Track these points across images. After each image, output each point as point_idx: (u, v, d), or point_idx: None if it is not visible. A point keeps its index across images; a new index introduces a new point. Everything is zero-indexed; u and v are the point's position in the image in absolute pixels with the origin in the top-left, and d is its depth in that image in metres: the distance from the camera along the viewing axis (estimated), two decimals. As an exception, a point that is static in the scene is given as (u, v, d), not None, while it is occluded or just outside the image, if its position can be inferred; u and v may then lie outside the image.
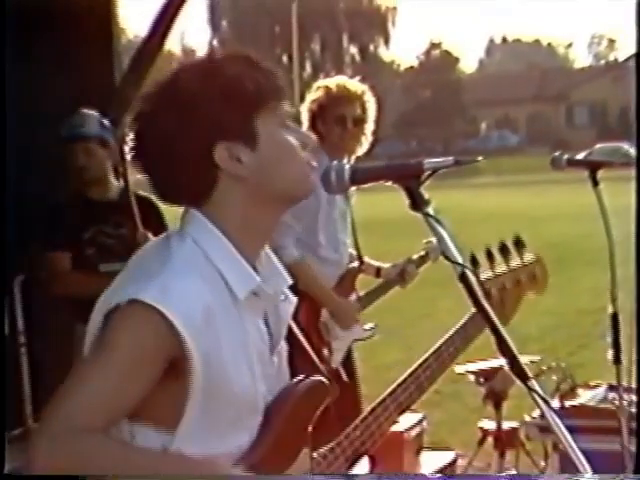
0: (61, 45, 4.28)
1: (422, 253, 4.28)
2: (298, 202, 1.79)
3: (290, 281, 1.84)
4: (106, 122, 4.11)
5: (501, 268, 2.01)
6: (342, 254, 4.18)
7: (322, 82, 4.23)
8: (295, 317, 4.55)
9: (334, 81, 4.19)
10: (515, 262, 2.04)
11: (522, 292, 2.09)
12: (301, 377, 1.82)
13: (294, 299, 1.84)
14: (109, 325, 1.62)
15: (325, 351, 4.00)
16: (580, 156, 3.63)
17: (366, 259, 4.31)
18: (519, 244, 2.01)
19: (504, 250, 1.98)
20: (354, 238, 4.27)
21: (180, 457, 1.64)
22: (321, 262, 4.09)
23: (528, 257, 2.08)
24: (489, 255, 1.96)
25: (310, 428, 1.78)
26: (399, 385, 1.86)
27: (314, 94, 4.16)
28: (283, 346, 1.83)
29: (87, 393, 1.57)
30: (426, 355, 1.87)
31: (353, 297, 4.20)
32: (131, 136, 1.72)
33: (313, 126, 4.10)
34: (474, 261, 1.95)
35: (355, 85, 4.16)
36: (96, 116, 4.08)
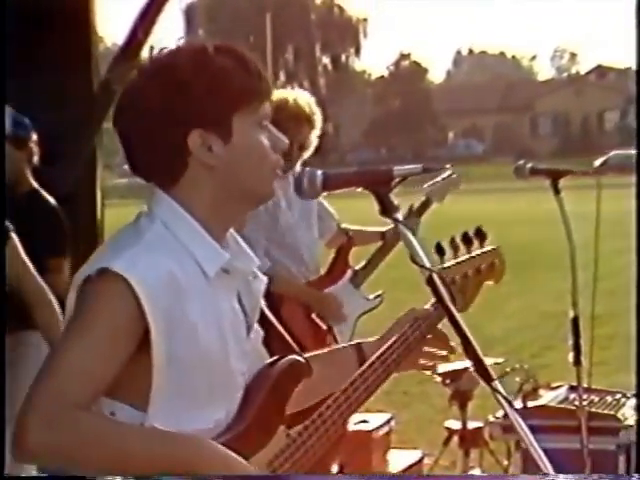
0: (39, 51, 4.31)
1: (423, 199, 4.11)
2: (258, 204, 1.84)
3: (258, 261, 1.88)
4: (25, 120, 3.73)
5: (463, 256, 2.08)
6: (304, 254, 4.16)
7: (277, 95, 4.10)
8: (281, 314, 4.55)
9: (286, 99, 4.05)
10: (476, 251, 2.12)
11: (482, 280, 2.16)
12: (278, 357, 1.86)
13: (264, 278, 1.88)
14: (81, 297, 1.67)
15: (329, 337, 4.00)
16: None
17: (354, 227, 4.29)
18: (480, 234, 2.10)
19: (466, 239, 2.06)
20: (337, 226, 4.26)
21: (169, 434, 1.67)
22: (291, 264, 4.12)
23: (487, 247, 2.17)
24: (453, 244, 2.05)
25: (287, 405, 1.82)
26: (369, 366, 1.92)
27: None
28: (258, 329, 1.88)
29: (72, 366, 1.61)
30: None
31: (349, 273, 4.18)
32: (116, 103, 1.78)
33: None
34: (440, 249, 2.03)
35: (303, 104, 4.06)
36: (10, 113, 3.64)
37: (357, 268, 4.24)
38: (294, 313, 4.08)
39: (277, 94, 4.08)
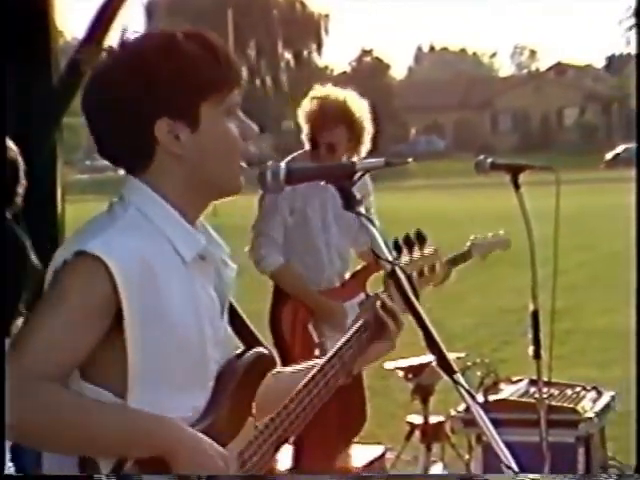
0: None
1: (463, 250, 4.00)
2: (223, 196, 1.83)
3: (227, 249, 1.88)
4: None
5: (405, 259, 2.07)
6: (325, 259, 4.15)
7: (318, 94, 4.12)
8: (282, 318, 4.52)
9: (329, 99, 4.05)
10: (417, 254, 2.11)
11: (424, 282, 2.15)
12: (244, 349, 1.87)
13: (234, 266, 1.89)
14: (57, 278, 1.68)
15: (317, 351, 3.98)
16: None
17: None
18: (420, 237, 2.09)
19: (407, 242, 2.05)
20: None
21: (138, 411, 1.67)
22: (308, 266, 4.12)
23: (428, 249, 2.17)
24: (395, 246, 2.04)
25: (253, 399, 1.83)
26: (327, 362, 1.92)
27: (310, 105, 4.08)
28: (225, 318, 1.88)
29: (40, 341, 1.61)
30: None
31: (361, 296, 4.05)
32: (85, 86, 1.77)
33: (314, 135, 4.04)
34: (397, 247, 2.02)
35: (340, 105, 4.03)
36: None
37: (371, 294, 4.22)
38: (291, 316, 4.10)
39: (324, 91, 4.11)
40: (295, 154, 4.17)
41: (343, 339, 1.93)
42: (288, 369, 1.99)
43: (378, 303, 1.97)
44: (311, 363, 1.95)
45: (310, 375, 1.87)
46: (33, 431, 1.61)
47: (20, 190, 3.21)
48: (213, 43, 1.77)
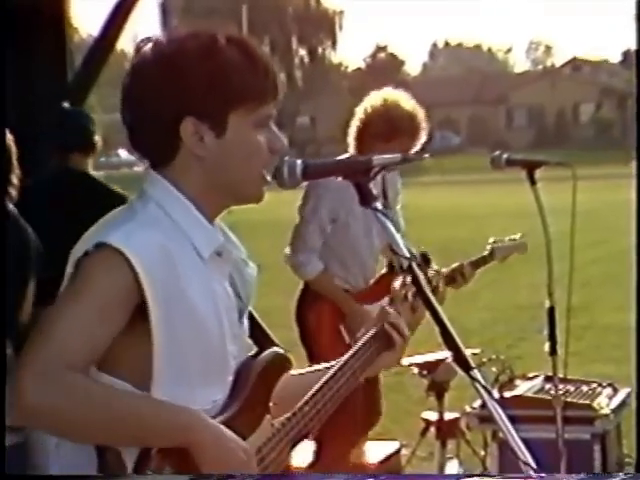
0: (14, 43, 4.29)
1: (484, 254, 4.13)
2: (243, 202, 1.83)
3: (244, 250, 1.90)
4: None
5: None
6: (360, 264, 4.15)
7: (389, 96, 4.03)
8: (311, 315, 4.56)
9: (407, 105, 3.98)
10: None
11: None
12: (260, 349, 1.89)
13: (255, 265, 1.90)
14: (79, 269, 1.69)
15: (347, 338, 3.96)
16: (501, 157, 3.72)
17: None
18: (425, 258, 2.10)
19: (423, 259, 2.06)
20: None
21: (162, 401, 1.68)
22: (347, 271, 4.11)
23: (431, 270, 2.18)
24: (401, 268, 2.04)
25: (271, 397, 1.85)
26: (339, 368, 1.95)
27: (375, 105, 3.99)
28: (246, 320, 1.90)
29: (63, 331, 1.62)
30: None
31: (386, 299, 4.15)
32: (126, 74, 1.78)
33: (356, 137, 4.01)
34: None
35: (420, 115, 3.97)
36: None
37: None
38: (324, 318, 4.11)
39: (394, 96, 4.02)
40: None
41: (354, 349, 1.96)
42: (302, 370, 2.00)
43: (384, 316, 2.01)
44: (323, 366, 1.98)
45: (324, 380, 1.89)
46: (58, 418, 1.61)
47: (14, 180, 3.22)
48: (254, 52, 1.77)
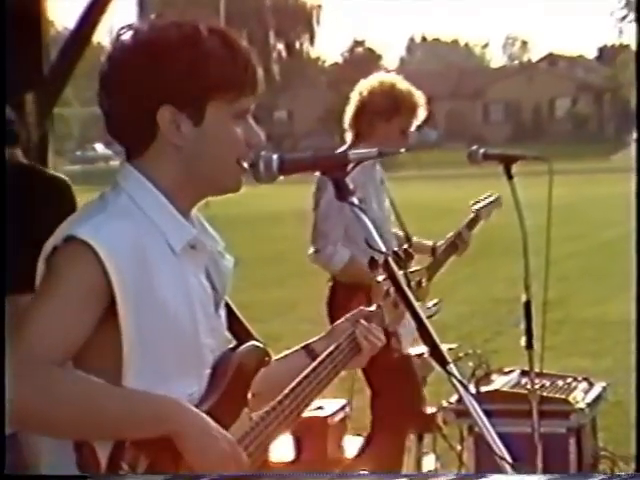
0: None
1: (472, 216, 4.20)
2: (220, 193, 1.83)
3: (222, 242, 1.89)
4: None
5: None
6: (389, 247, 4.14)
7: (384, 77, 4.09)
8: (342, 306, 4.62)
9: (403, 85, 4.03)
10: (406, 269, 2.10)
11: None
12: (238, 342, 1.89)
13: (231, 258, 1.90)
14: (50, 264, 1.69)
15: (393, 340, 3.97)
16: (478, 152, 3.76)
17: (414, 239, 4.24)
18: (407, 254, 2.08)
19: (397, 257, 2.04)
20: (398, 220, 4.21)
21: (144, 392, 1.68)
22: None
23: (415, 267, 2.18)
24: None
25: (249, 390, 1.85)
26: (320, 363, 1.95)
27: (373, 86, 4.02)
28: (223, 312, 1.89)
29: (42, 325, 1.62)
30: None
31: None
32: (104, 60, 1.77)
33: (355, 119, 4.01)
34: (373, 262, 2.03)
35: (418, 94, 4.05)
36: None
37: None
38: (353, 304, 4.08)
39: (389, 78, 4.09)
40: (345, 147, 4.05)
41: (334, 344, 1.97)
42: (277, 362, 1.99)
43: (357, 325, 2.01)
44: (291, 350, 2.01)
45: (304, 374, 1.89)
46: (36, 416, 1.61)
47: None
48: (235, 44, 1.77)
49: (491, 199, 4.26)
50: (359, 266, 4.04)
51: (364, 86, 4.07)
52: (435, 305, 4.37)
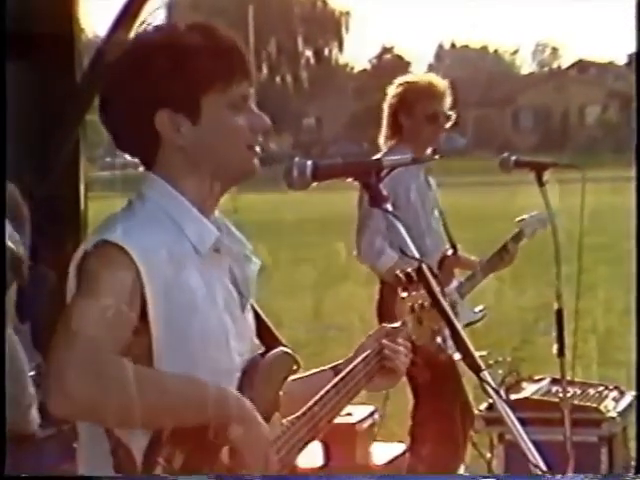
0: (22, 44, 4.29)
1: (517, 231, 4.20)
2: (237, 182, 1.84)
3: (250, 246, 1.90)
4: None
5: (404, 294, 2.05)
6: (431, 245, 4.13)
7: (405, 78, 4.23)
8: (392, 310, 4.60)
9: (420, 77, 4.21)
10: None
11: (431, 315, 2.02)
12: (267, 349, 1.90)
13: (258, 261, 1.90)
14: (83, 268, 1.70)
15: (439, 339, 3.96)
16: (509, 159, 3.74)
17: (461, 253, 4.25)
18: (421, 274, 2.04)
19: (409, 277, 2.02)
20: (445, 230, 4.23)
21: (201, 380, 1.69)
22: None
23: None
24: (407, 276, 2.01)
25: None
26: (347, 373, 1.95)
27: (396, 89, 4.16)
28: (251, 316, 1.90)
29: (91, 321, 1.62)
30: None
31: (454, 283, 4.15)
32: (99, 91, 1.81)
33: (395, 121, 4.11)
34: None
35: (440, 81, 4.18)
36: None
37: (462, 279, 4.21)
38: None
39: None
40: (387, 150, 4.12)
41: (362, 355, 1.96)
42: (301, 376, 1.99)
43: (385, 342, 1.99)
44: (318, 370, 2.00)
45: (333, 382, 1.90)
46: (107, 404, 1.61)
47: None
48: (216, 35, 1.77)
49: (538, 217, 4.19)
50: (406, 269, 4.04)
51: (403, 82, 4.20)
52: (481, 311, 4.35)
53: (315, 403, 1.85)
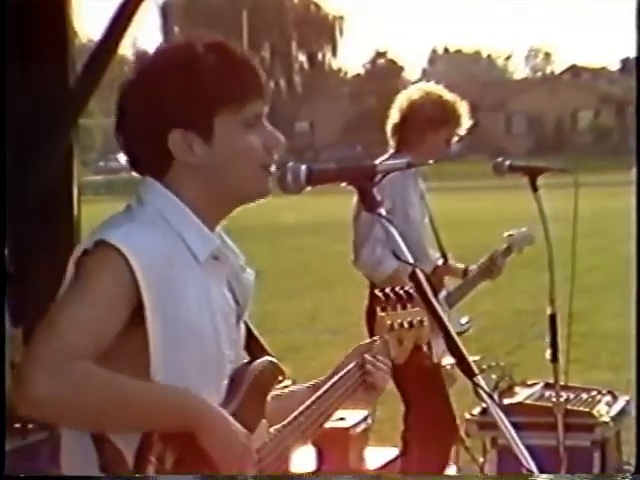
0: (15, 47, 4.29)
1: (505, 246, 4.20)
2: (247, 202, 1.84)
3: (243, 257, 1.90)
4: None
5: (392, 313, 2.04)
6: (425, 250, 4.11)
7: (426, 88, 4.11)
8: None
9: (442, 94, 4.07)
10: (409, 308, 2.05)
11: (412, 335, 2.03)
12: (252, 358, 1.90)
13: (253, 272, 1.91)
14: (80, 266, 1.71)
15: (424, 347, 3.94)
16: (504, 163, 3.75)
17: (450, 261, 4.23)
18: (409, 294, 2.03)
19: (397, 294, 2.01)
20: (436, 236, 4.21)
21: (169, 386, 1.70)
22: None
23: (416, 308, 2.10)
24: (386, 296, 2.00)
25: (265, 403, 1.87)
26: (338, 379, 1.95)
27: (415, 98, 4.06)
28: (243, 328, 1.91)
29: (75, 322, 1.64)
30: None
31: (444, 293, 4.13)
32: (115, 107, 1.81)
33: (402, 128, 4.05)
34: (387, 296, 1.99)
35: (463, 104, 4.10)
36: None
37: (451, 289, 4.20)
38: None
39: (432, 88, 4.12)
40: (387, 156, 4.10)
41: (342, 371, 1.96)
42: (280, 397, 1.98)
43: (366, 356, 1.98)
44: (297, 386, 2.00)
45: (319, 392, 1.90)
46: (69, 408, 1.62)
47: None
48: (232, 54, 1.78)
49: (525, 234, 4.22)
50: (404, 278, 4.02)
51: (410, 95, 4.08)
52: (467, 322, 4.34)
53: (301, 412, 1.86)
